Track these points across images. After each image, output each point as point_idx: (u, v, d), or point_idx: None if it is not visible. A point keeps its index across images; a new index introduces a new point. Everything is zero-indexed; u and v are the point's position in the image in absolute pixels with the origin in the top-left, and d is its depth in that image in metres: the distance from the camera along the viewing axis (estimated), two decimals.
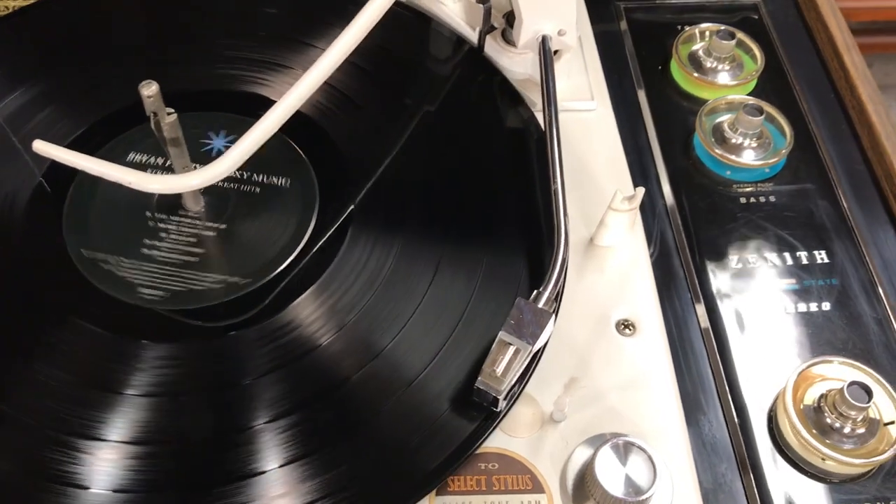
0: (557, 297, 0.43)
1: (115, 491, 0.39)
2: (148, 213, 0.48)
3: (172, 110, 0.43)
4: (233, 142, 0.44)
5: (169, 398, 0.42)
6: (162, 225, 0.48)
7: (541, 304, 0.41)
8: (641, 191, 0.46)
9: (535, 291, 0.42)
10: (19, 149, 0.50)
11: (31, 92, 0.53)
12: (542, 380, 0.43)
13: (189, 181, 0.41)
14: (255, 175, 0.50)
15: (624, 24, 0.62)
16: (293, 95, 0.43)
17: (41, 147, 0.41)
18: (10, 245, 0.47)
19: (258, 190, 0.49)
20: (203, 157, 0.50)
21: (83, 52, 0.55)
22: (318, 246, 0.47)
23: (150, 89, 0.40)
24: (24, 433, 0.41)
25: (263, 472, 0.40)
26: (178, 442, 0.41)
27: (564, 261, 0.42)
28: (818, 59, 0.60)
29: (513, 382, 0.40)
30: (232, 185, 0.50)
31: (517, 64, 0.53)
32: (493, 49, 0.54)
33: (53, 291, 0.46)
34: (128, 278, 0.46)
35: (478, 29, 0.54)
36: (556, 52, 0.52)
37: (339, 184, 0.50)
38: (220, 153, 0.46)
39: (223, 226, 0.48)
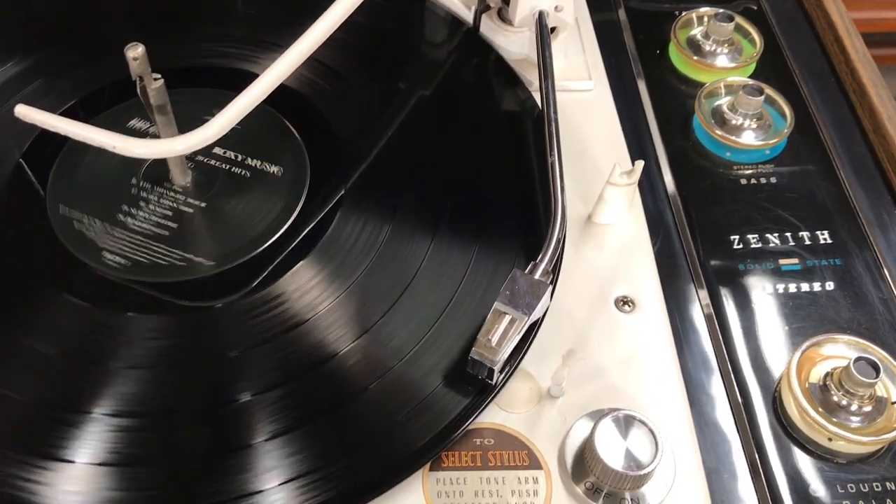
0: (555, 270, 0.42)
1: (100, 464, 0.38)
2: (133, 181, 0.47)
3: (159, 75, 0.42)
4: None
5: (146, 370, 0.41)
6: (143, 194, 0.47)
7: (537, 276, 0.40)
8: (640, 164, 0.45)
9: (532, 263, 0.41)
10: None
11: (21, 64, 0.52)
12: (540, 356, 0.42)
13: (173, 146, 0.40)
14: (246, 156, 0.49)
15: (622, 11, 0.61)
16: (282, 64, 0.42)
17: (24, 112, 0.40)
18: None
19: (248, 172, 0.48)
20: None
21: (74, 25, 0.55)
22: (307, 223, 0.46)
23: (135, 51, 0.39)
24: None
25: (251, 446, 0.38)
26: (164, 416, 0.40)
27: (562, 231, 0.41)
28: (817, 44, 0.59)
29: (508, 354, 0.39)
30: (222, 164, 0.49)
31: (513, 43, 0.53)
32: (489, 28, 0.53)
33: (22, 242, 0.45)
34: (95, 241, 0.45)
35: (473, 8, 0.53)
36: (552, 29, 0.51)
37: (333, 163, 0.49)
38: None
39: (203, 203, 0.47)
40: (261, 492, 0.37)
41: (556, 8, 0.50)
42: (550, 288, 0.40)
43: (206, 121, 0.41)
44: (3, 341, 0.42)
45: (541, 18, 0.49)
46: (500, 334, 0.38)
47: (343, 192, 0.47)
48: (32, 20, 0.56)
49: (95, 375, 0.41)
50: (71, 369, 0.41)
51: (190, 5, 0.57)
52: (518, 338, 0.39)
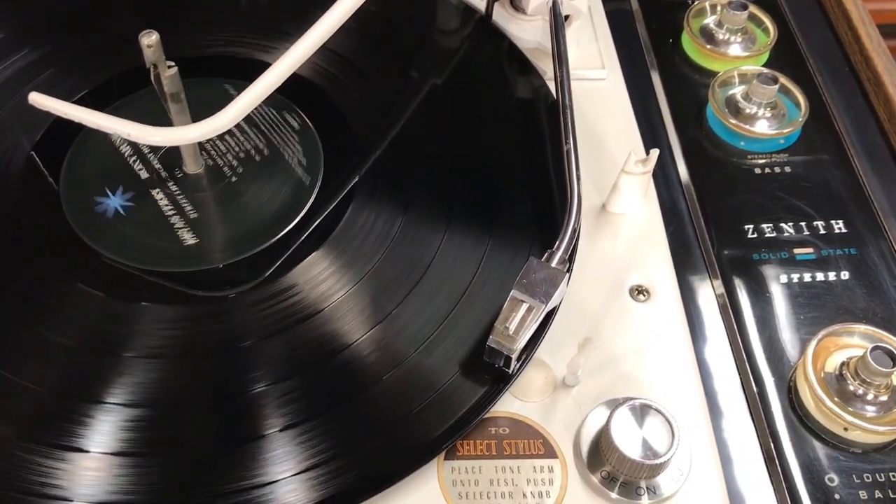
0: (570, 258, 0.42)
1: (115, 453, 0.38)
2: (147, 171, 0.47)
3: (173, 63, 0.41)
4: None
5: (161, 360, 0.41)
6: (156, 183, 0.47)
7: (553, 264, 0.40)
8: (655, 153, 0.45)
9: (548, 251, 0.41)
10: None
11: (35, 53, 0.52)
12: (555, 345, 0.42)
13: (188, 133, 0.40)
14: (259, 145, 0.49)
15: (634, 1, 0.61)
16: (295, 52, 0.42)
17: (37, 99, 0.40)
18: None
19: (261, 161, 0.48)
20: None
21: (88, 14, 0.55)
22: (320, 213, 0.46)
23: (149, 38, 0.39)
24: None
25: (264, 436, 0.38)
26: (178, 406, 0.40)
27: (577, 219, 0.41)
28: (832, 33, 0.58)
29: (525, 342, 0.39)
30: (235, 152, 0.48)
31: (526, 31, 0.52)
32: (502, 16, 0.53)
33: (36, 232, 0.46)
34: (108, 230, 0.45)
35: None
36: (566, 17, 0.51)
37: (346, 153, 0.49)
38: None
39: (216, 192, 0.47)
40: (275, 482, 0.37)
41: None
42: (567, 276, 0.40)
43: (219, 109, 0.41)
44: (19, 331, 0.42)
45: (555, 6, 0.49)
46: (518, 322, 0.38)
47: (357, 181, 0.47)
48: (43, 9, 0.55)
49: (109, 365, 0.41)
50: (85, 358, 0.41)
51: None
52: (535, 326, 0.39)
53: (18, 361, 0.41)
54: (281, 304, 0.43)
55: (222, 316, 0.43)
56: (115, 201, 0.46)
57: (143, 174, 0.47)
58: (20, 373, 0.40)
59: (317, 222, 0.46)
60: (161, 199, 0.46)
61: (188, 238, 0.45)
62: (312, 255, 0.44)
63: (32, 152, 0.48)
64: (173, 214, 0.46)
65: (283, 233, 0.45)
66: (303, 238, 0.45)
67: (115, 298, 0.43)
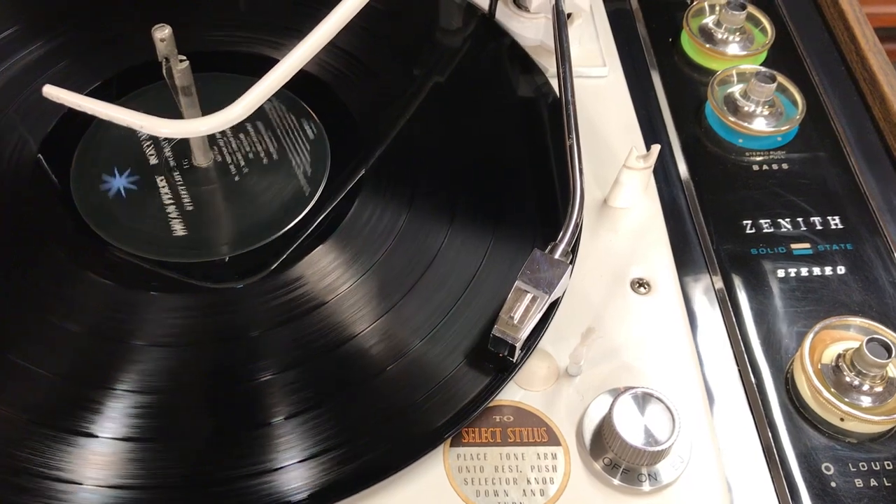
0: (573, 250, 0.42)
1: (124, 439, 0.39)
2: (156, 162, 0.47)
3: (184, 57, 0.42)
4: None
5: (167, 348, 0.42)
6: (166, 175, 0.47)
7: (557, 256, 0.41)
8: (657, 148, 0.46)
9: (551, 244, 0.41)
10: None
11: (48, 46, 0.53)
12: (557, 336, 0.42)
13: (198, 126, 0.40)
14: (267, 139, 0.50)
15: (634, 1, 0.61)
16: (304, 48, 0.43)
17: (51, 92, 0.41)
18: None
19: (268, 155, 0.49)
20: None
21: (100, 8, 0.55)
22: (327, 206, 0.47)
23: (162, 32, 0.40)
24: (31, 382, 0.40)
25: (270, 424, 0.39)
26: (185, 394, 0.40)
27: (580, 211, 0.42)
28: (828, 33, 0.59)
29: (529, 331, 0.39)
30: (243, 146, 0.49)
31: (529, 29, 0.53)
32: (505, 14, 0.54)
33: (47, 222, 0.46)
34: (118, 220, 0.46)
35: None
36: (568, 15, 0.51)
37: (353, 147, 0.49)
38: None
39: (225, 185, 0.48)
40: (282, 467, 0.38)
41: None
42: (570, 267, 0.40)
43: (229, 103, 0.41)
44: (31, 318, 0.42)
45: (557, 4, 0.50)
46: (522, 312, 0.39)
47: (363, 176, 0.47)
48: (55, 2, 0.56)
49: (119, 352, 0.41)
50: (95, 346, 0.42)
51: None
52: (539, 316, 0.39)
53: (29, 348, 0.41)
54: (288, 295, 0.43)
55: (230, 307, 0.43)
56: (119, 181, 0.47)
57: (153, 160, 0.48)
58: (31, 359, 0.41)
59: (323, 214, 0.46)
60: (163, 187, 0.47)
61: (178, 229, 0.45)
62: (319, 247, 0.45)
63: (44, 142, 0.49)
64: (170, 204, 0.46)
65: (290, 225, 0.46)
66: (310, 231, 0.46)
67: (125, 287, 0.43)
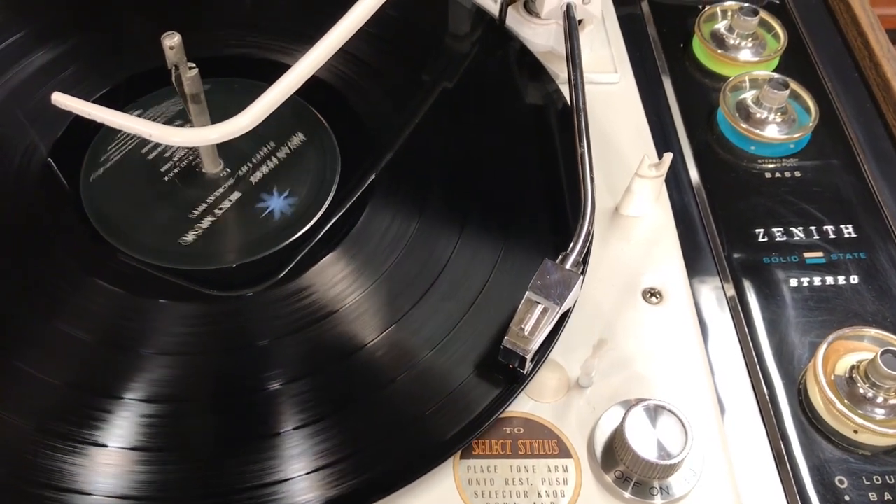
0: (584, 260, 0.42)
1: (132, 448, 0.38)
2: (165, 170, 0.48)
3: (194, 65, 0.42)
4: None
5: (181, 357, 0.41)
6: (175, 183, 0.48)
7: (567, 266, 0.40)
8: (669, 156, 0.45)
9: (562, 254, 0.41)
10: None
11: (56, 50, 0.53)
12: (568, 347, 0.42)
13: (208, 134, 0.40)
14: (277, 146, 0.49)
15: (645, 4, 0.61)
16: (315, 54, 0.42)
17: (60, 99, 0.41)
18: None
19: (279, 162, 0.49)
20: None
21: (110, 12, 0.55)
22: (336, 214, 0.47)
23: (172, 40, 0.40)
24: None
25: (279, 434, 0.39)
26: (194, 403, 0.40)
27: (591, 221, 0.42)
28: (841, 39, 0.59)
29: (540, 343, 0.39)
30: (253, 154, 0.49)
31: (539, 35, 0.53)
32: (515, 20, 0.54)
33: (56, 228, 0.46)
34: (127, 228, 0.46)
35: (500, 0, 0.53)
36: (579, 21, 0.51)
37: (363, 154, 0.49)
38: None
39: (235, 192, 0.47)
40: (289, 479, 0.38)
41: (583, 1, 0.50)
42: (581, 278, 0.40)
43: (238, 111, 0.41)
44: (39, 326, 0.42)
45: (569, 11, 0.50)
46: (533, 323, 0.39)
47: (373, 184, 0.47)
48: (63, 8, 0.56)
49: (126, 361, 0.41)
50: (103, 354, 0.42)
51: None
52: (550, 327, 0.39)
53: (39, 355, 0.41)
54: (297, 304, 0.43)
55: (239, 315, 0.43)
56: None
57: (162, 166, 0.48)
58: (39, 366, 0.41)
59: (331, 223, 0.46)
60: (173, 194, 0.47)
61: (188, 237, 0.45)
62: (328, 256, 0.45)
63: (54, 147, 0.49)
64: (180, 211, 0.46)
65: (300, 233, 0.46)
66: (319, 239, 0.45)
67: (133, 295, 0.43)
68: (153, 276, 0.44)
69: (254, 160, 0.49)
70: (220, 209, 0.47)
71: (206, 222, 0.46)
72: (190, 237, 0.46)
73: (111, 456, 0.38)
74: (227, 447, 0.39)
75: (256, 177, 0.48)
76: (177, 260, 0.45)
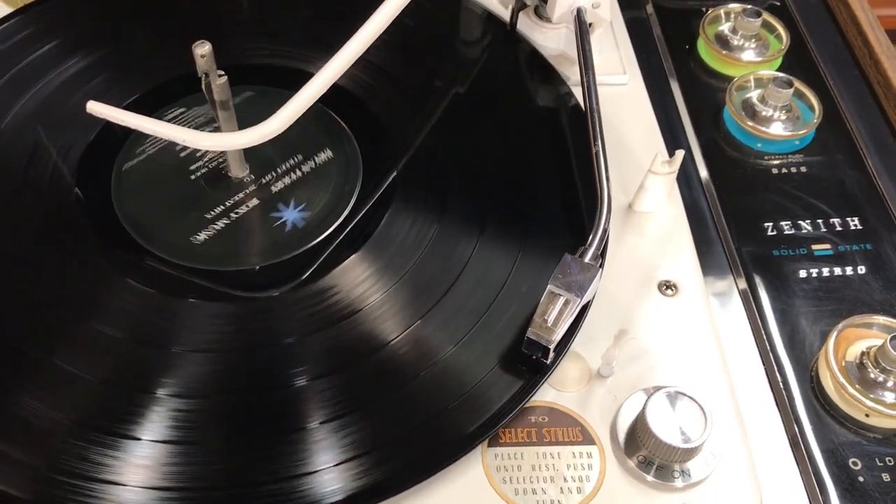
0: (602, 254, 0.44)
1: (164, 441, 0.40)
2: (193, 175, 0.49)
3: (223, 72, 0.43)
4: None
5: (211, 354, 0.43)
6: (203, 186, 0.49)
7: (587, 260, 0.42)
8: (681, 153, 0.47)
9: (581, 248, 0.43)
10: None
11: (88, 59, 0.54)
12: (588, 338, 0.44)
13: (238, 139, 0.42)
14: (301, 151, 0.51)
15: (650, 6, 0.63)
16: (338, 61, 0.44)
17: (95, 108, 0.42)
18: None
19: (303, 167, 0.50)
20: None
21: (140, 21, 0.57)
22: (359, 216, 0.48)
23: (203, 48, 0.41)
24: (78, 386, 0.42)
25: (305, 428, 0.40)
26: (223, 398, 0.42)
27: (608, 215, 0.43)
28: (841, 39, 0.61)
29: (562, 334, 0.40)
30: (278, 159, 0.50)
31: (550, 39, 0.54)
32: (526, 25, 0.55)
33: (90, 230, 0.47)
34: (159, 229, 0.47)
35: (510, 6, 0.55)
36: (589, 24, 0.53)
37: (384, 159, 0.51)
38: None
39: (260, 196, 0.49)
40: (316, 471, 0.39)
41: (593, 5, 0.52)
42: (600, 271, 0.41)
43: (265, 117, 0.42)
44: (75, 325, 0.43)
45: (579, 15, 0.51)
46: (555, 315, 0.40)
47: (395, 187, 0.49)
48: (95, 16, 0.57)
49: (159, 358, 0.42)
50: (135, 351, 0.43)
51: (244, 6, 0.58)
52: (571, 319, 0.41)
53: (74, 352, 0.43)
54: (322, 303, 0.44)
55: (266, 314, 0.44)
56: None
57: (191, 171, 0.49)
58: (75, 363, 0.42)
59: (352, 224, 0.48)
60: (201, 198, 0.48)
61: (216, 239, 0.47)
62: (351, 257, 0.46)
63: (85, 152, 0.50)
64: (208, 214, 0.48)
65: (324, 235, 0.47)
66: (343, 240, 0.47)
67: (164, 294, 0.45)
68: (183, 276, 0.45)
69: (279, 170, 0.50)
70: (237, 213, 0.48)
71: (220, 224, 0.47)
72: (202, 236, 0.47)
73: (144, 449, 0.40)
74: (256, 440, 0.40)
75: (278, 186, 0.49)
76: (197, 259, 0.46)
